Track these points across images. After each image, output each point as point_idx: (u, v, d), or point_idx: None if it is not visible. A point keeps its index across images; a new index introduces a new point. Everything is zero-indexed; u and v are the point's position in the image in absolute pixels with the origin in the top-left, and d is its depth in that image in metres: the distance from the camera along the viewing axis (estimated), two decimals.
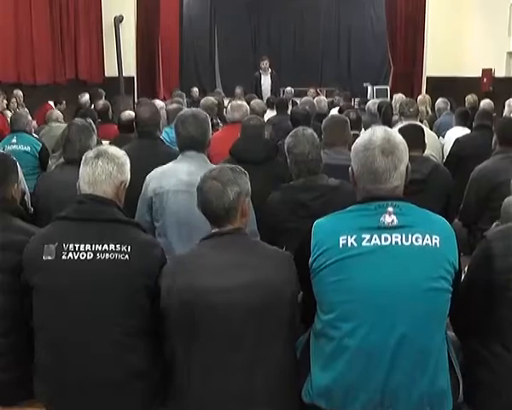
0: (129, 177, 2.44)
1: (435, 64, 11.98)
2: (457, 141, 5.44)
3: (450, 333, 2.31)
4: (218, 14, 16.14)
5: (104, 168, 2.33)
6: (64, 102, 9.33)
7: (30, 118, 5.89)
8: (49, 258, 2.20)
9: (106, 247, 2.20)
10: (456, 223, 4.07)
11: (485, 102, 7.37)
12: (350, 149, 2.27)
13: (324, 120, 4.34)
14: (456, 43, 11.73)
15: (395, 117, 6.43)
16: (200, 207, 2.31)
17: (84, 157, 2.39)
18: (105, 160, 2.34)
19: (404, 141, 2.19)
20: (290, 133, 3.44)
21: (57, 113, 6.89)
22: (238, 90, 11.07)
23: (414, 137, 4.02)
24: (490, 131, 5.24)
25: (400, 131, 4.03)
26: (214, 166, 3.34)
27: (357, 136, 2.41)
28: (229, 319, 2.10)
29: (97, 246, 2.20)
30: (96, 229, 2.24)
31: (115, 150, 2.42)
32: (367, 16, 16.07)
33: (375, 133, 2.12)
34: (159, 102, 6.49)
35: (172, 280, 2.17)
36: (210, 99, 6.82)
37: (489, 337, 2.22)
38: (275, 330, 2.15)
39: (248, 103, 6.14)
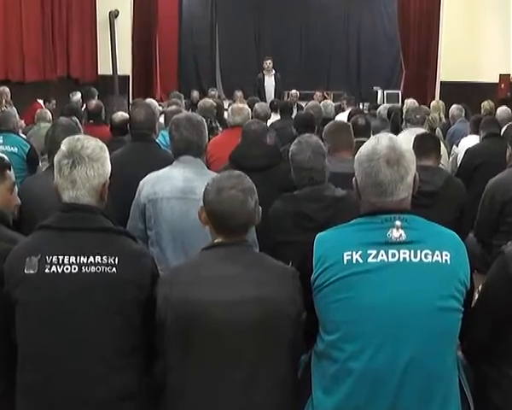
0: (110, 168, 2.34)
1: (450, 68, 11.99)
2: (468, 151, 5.47)
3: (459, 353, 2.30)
4: (219, 11, 16.15)
5: (83, 177, 2.24)
6: (54, 100, 9.33)
7: (18, 117, 5.91)
8: (32, 272, 2.17)
9: (92, 259, 2.17)
10: (470, 238, 4.07)
11: (502, 110, 7.37)
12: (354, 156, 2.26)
13: (325, 127, 4.34)
14: (472, 46, 11.75)
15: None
16: (212, 219, 2.27)
17: (56, 161, 2.30)
18: (83, 166, 2.24)
19: (410, 149, 2.18)
20: (295, 140, 3.46)
21: (47, 112, 6.91)
22: (238, 93, 11.10)
23: (428, 146, 4.05)
24: (500, 139, 5.27)
25: (415, 140, 4.06)
26: (214, 173, 3.36)
27: None
28: (226, 336, 2.10)
29: (82, 258, 2.17)
30: (81, 239, 2.21)
31: (91, 149, 2.28)
32: (378, 15, 16.09)
33: (379, 142, 2.11)
34: (151, 101, 6.52)
35: (169, 290, 2.16)
36: (209, 101, 6.84)
37: (502, 359, 2.21)
38: (275, 349, 2.14)
39: (251, 106, 6.16)
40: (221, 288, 2.14)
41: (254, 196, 2.27)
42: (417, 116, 5.55)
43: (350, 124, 4.38)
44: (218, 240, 2.27)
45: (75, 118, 4.38)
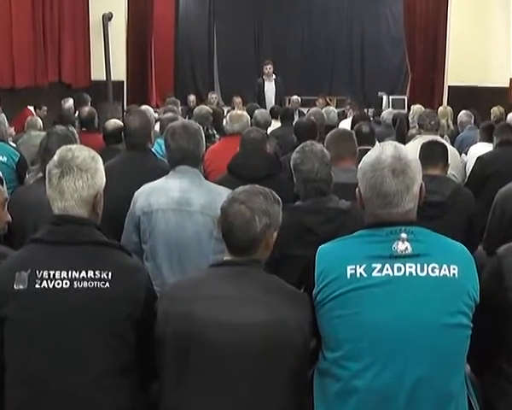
0: (104, 179, 2.35)
1: (458, 72, 12.00)
2: (480, 159, 5.41)
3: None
4: (217, 13, 16.19)
5: (72, 188, 2.24)
6: (45, 107, 9.35)
7: (7, 125, 5.91)
8: (21, 287, 2.17)
9: (84, 274, 2.17)
10: (479, 251, 4.06)
11: None
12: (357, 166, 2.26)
13: (327, 135, 4.33)
14: (481, 48, 11.76)
15: (412, 131, 6.43)
16: (220, 231, 2.28)
17: (47, 171, 2.31)
18: (71, 177, 2.25)
19: (416, 158, 2.19)
20: (297, 148, 3.42)
21: (37, 120, 6.92)
22: (237, 99, 11.12)
23: (435, 155, 4.04)
24: None
25: (421, 147, 4.06)
26: (211, 184, 3.37)
27: None
28: (227, 359, 2.09)
29: (74, 273, 2.17)
30: (73, 253, 2.22)
31: (81, 158, 2.28)
32: (382, 17, 16.13)
33: (383, 151, 2.12)
34: (146, 108, 6.54)
35: (170, 305, 2.17)
36: (204, 108, 6.87)
37: (504, 364, 2.22)
38: (277, 376, 2.12)
39: (250, 113, 6.17)
40: (226, 308, 2.13)
41: (265, 218, 2.21)
42: (432, 122, 5.41)
43: (353, 132, 4.37)
44: (226, 258, 2.27)
45: (72, 128, 4.37)
